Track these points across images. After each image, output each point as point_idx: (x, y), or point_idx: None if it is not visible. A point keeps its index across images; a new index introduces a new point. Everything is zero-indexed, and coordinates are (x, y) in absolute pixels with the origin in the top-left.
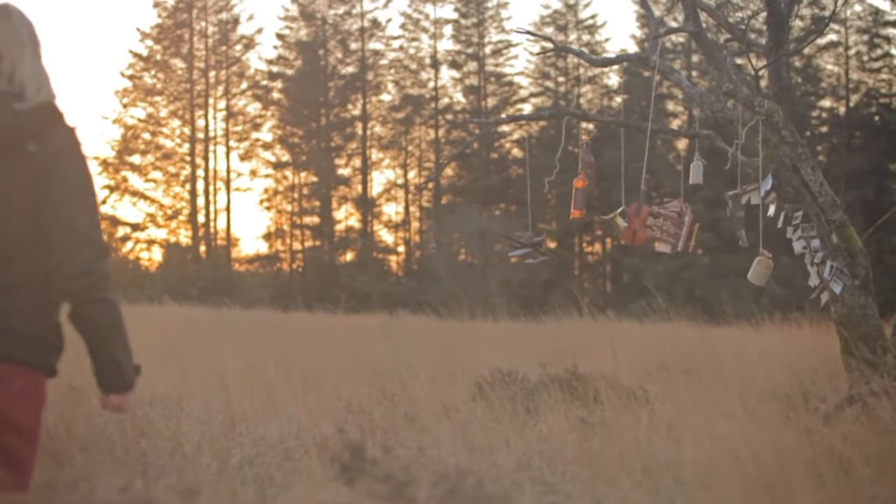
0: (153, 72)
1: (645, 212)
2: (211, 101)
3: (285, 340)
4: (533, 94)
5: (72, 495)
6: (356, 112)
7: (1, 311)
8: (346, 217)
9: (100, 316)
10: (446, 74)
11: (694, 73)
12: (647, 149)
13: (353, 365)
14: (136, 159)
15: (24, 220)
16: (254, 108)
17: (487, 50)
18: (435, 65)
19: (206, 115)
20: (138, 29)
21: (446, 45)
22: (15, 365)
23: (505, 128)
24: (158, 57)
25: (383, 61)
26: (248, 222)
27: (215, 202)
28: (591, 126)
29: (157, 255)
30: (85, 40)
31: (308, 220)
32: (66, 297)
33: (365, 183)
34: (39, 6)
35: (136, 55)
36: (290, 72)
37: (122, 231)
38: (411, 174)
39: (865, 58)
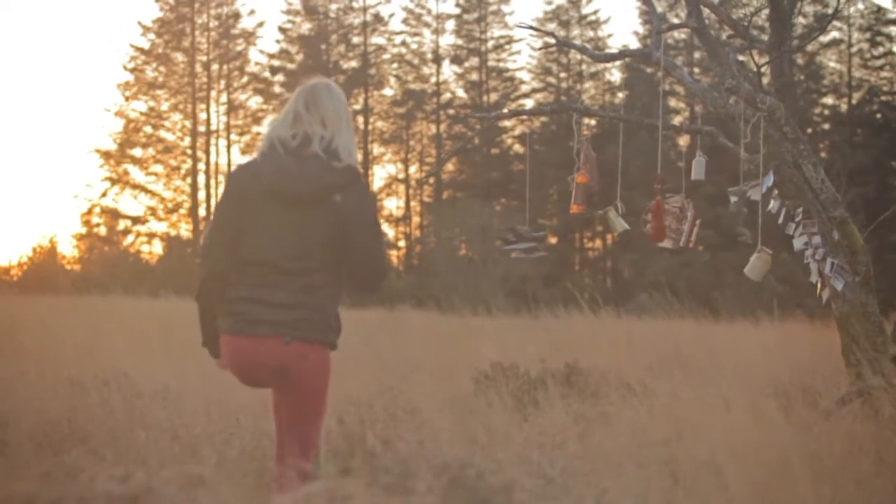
0: (155, 65)
1: (658, 207)
2: (213, 94)
3: None
4: (535, 90)
5: (72, 485)
6: (358, 106)
7: (305, 306)
8: None
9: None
10: (448, 69)
11: (696, 70)
12: (659, 146)
13: (354, 359)
14: (137, 152)
15: (327, 244)
16: (255, 101)
17: (489, 45)
18: (437, 60)
19: (207, 109)
20: (140, 23)
21: (448, 39)
22: (311, 344)
23: (506, 123)
24: (160, 50)
25: (385, 56)
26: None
27: (216, 196)
28: (592, 122)
29: (157, 248)
30: (88, 32)
31: None
32: (360, 289)
33: (367, 177)
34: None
35: (138, 49)
36: (291, 66)
37: (122, 224)
38: (413, 169)
39: (867, 55)
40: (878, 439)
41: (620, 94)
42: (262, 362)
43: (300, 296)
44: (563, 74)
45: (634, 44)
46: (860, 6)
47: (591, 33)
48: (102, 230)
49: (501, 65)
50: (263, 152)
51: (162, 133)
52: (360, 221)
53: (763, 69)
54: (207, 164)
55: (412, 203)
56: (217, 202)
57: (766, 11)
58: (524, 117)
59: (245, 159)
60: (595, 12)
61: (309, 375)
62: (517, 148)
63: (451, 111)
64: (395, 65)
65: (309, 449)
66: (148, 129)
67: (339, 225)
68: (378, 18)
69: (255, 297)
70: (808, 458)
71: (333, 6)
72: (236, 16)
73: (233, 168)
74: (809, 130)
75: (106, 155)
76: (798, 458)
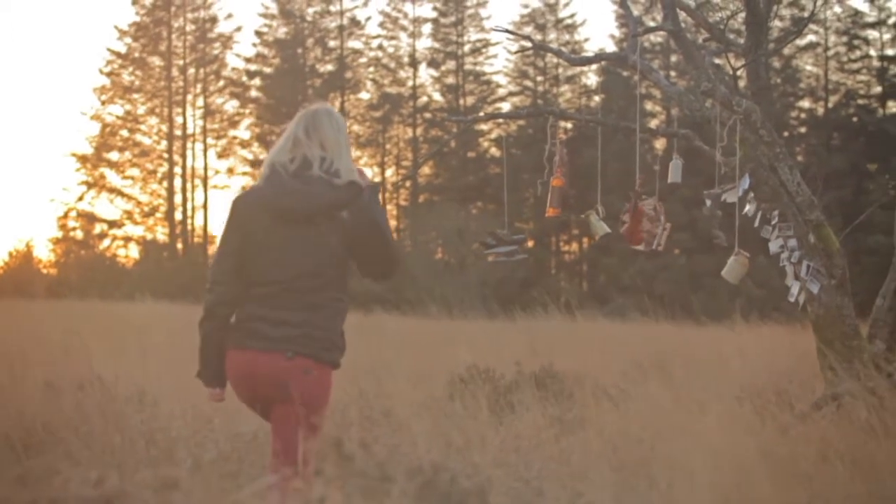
0: (131, 69)
1: (639, 211)
2: (189, 98)
3: None
4: (511, 94)
5: (47, 488)
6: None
7: (309, 324)
8: None
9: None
10: (425, 73)
11: (672, 73)
12: (637, 149)
13: None
14: (113, 156)
15: (334, 260)
16: (231, 105)
17: (466, 49)
18: (413, 63)
19: (183, 113)
20: (116, 27)
21: (425, 43)
22: (313, 360)
23: (483, 126)
24: (136, 55)
25: (362, 59)
26: (225, 220)
27: (192, 199)
28: (568, 125)
29: (133, 252)
30: (64, 36)
31: None
32: (372, 280)
33: None
34: (21, 2)
35: (115, 53)
36: (268, 70)
37: (99, 228)
38: (389, 172)
39: (844, 59)
40: (853, 443)
41: (597, 98)
42: (264, 375)
43: (305, 314)
44: (539, 78)
45: (611, 47)
46: (837, 9)
47: (567, 37)
48: (79, 234)
49: (478, 68)
50: (266, 177)
51: (138, 137)
52: (367, 231)
53: (739, 72)
54: (184, 167)
55: (388, 207)
56: (222, 229)
57: (742, 15)
58: (501, 121)
59: (222, 163)
60: (571, 16)
61: (309, 391)
62: (494, 151)
63: (428, 115)
64: (371, 68)
65: (296, 460)
66: (124, 133)
67: (346, 240)
68: (354, 22)
69: (261, 315)
70: (782, 461)
71: (310, 10)
72: (213, 20)
73: (235, 195)
74: (786, 134)
75: (82, 158)
76: (773, 461)
